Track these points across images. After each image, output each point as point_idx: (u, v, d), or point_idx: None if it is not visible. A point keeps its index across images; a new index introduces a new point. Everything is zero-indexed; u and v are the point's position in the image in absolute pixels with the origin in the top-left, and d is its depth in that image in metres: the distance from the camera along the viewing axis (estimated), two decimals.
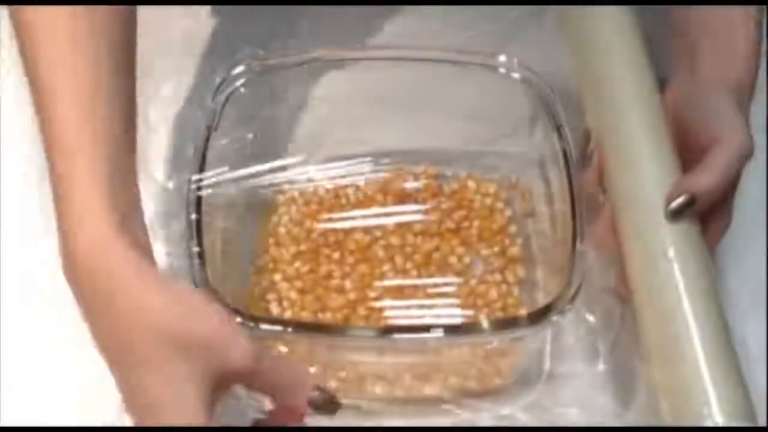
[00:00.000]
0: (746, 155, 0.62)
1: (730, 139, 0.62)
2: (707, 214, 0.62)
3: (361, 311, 0.70)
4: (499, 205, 0.75)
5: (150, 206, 0.73)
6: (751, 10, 0.67)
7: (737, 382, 0.57)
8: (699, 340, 0.58)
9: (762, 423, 0.58)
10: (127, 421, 0.53)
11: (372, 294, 0.71)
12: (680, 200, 0.60)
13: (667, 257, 0.60)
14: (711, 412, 0.56)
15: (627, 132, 0.64)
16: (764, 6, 0.68)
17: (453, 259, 0.73)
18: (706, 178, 0.61)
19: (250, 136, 0.72)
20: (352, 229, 0.74)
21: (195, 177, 0.66)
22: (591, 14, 0.69)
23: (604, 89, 0.66)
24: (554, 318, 0.61)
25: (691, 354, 0.58)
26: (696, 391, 0.57)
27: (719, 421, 0.56)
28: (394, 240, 0.73)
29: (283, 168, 0.75)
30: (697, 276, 0.60)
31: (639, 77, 0.66)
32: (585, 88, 0.68)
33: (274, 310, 0.70)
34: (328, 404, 0.56)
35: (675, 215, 0.61)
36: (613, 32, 0.68)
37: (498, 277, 0.72)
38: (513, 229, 0.74)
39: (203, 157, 0.67)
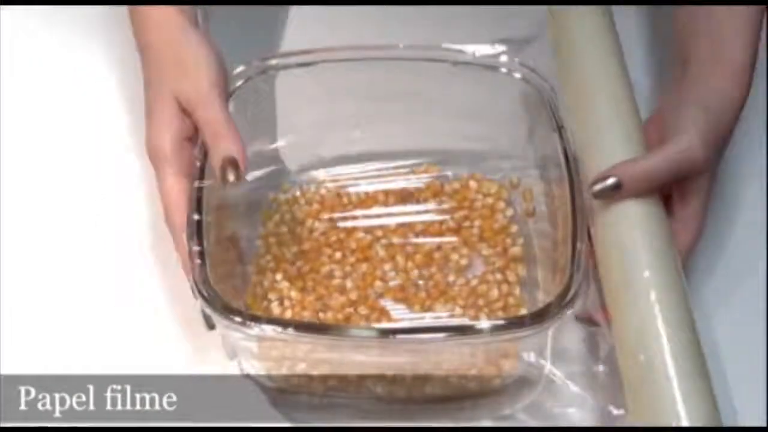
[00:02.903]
0: (690, 163, 0.63)
1: (674, 142, 0.63)
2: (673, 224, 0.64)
3: (363, 311, 0.70)
4: (501, 204, 0.75)
5: (150, 206, 0.74)
6: (752, 16, 0.66)
7: (709, 401, 0.58)
8: (671, 361, 0.59)
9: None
10: None
11: (373, 294, 0.71)
12: (605, 183, 0.63)
13: (643, 278, 0.61)
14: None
15: (601, 145, 0.66)
16: (764, 8, 0.68)
17: (454, 259, 0.73)
18: (634, 167, 0.63)
19: (250, 136, 0.72)
20: (354, 229, 0.74)
21: (195, 177, 0.66)
22: (568, 14, 0.70)
23: (581, 101, 0.68)
24: (555, 318, 0.61)
25: (662, 372, 0.58)
26: (666, 410, 0.58)
27: None
28: (396, 239, 0.73)
29: (284, 168, 0.75)
30: (671, 297, 0.61)
31: (613, 85, 0.67)
32: (568, 97, 0.70)
33: (275, 309, 0.70)
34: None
35: (597, 196, 0.63)
36: (588, 35, 0.69)
37: (499, 276, 0.72)
38: (514, 228, 0.74)
39: (204, 157, 0.67)
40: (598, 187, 0.63)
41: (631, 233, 0.63)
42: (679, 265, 0.63)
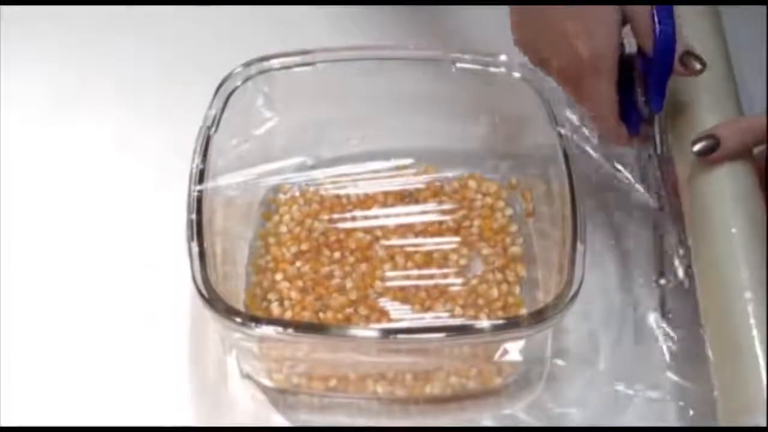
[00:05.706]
0: None
1: None
2: None
3: (362, 311, 0.70)
4: (500, 204, 0.75)
5: (150, 206, 0.74)
6: None
7: None
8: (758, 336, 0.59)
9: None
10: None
11: (373, 294, 0.71)
12: (703, 144, 0.65)
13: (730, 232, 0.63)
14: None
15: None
16: None
17: (454, 259, 0.73)
18: (729, 124, 0.66)
19: (251, 136, 0.72)
20: (353, 229, 0.74)
21: (195, 177, 0.66)
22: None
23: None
24: (555, 318, 0.61)
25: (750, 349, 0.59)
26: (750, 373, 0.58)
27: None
28: (395, 239, 0.73)
29: (283, 168, 0.75)
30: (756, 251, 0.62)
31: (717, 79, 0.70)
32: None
33: (275, 309, 0.70)
34: None
35: (699, 154, 0.66)
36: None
37: (499, 276, 0.72)
38: (514, 228, 0.74)
39: (203, 157, 0.67)
40: (698, 146, 0.65)
41: (722, 193, 0.65)
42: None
